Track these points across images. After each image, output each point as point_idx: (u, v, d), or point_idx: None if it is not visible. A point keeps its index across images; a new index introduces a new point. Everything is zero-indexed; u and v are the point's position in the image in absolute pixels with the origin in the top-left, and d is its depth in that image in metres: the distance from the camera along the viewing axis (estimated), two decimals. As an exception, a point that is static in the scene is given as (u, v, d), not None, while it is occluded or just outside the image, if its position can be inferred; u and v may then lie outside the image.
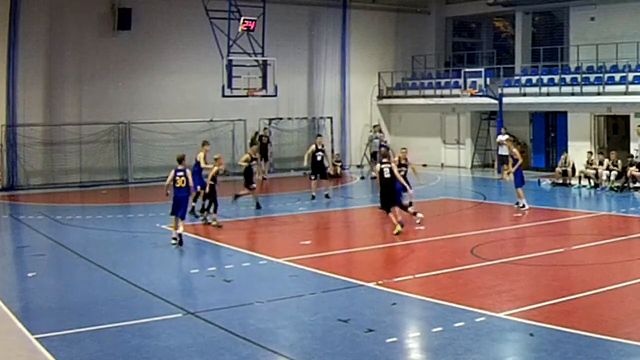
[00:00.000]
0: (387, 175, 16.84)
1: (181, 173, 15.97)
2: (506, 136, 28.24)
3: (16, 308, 10.99)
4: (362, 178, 29.17)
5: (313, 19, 33.05)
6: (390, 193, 16.92)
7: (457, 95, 30.61)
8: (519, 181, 20.05)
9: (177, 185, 15.86)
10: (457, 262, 13.65)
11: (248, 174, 20.42)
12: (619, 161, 24.02)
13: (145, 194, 25.74)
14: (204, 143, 19.88)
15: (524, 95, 29.04)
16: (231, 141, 29.85)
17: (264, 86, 26.23)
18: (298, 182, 23.22)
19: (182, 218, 15.97)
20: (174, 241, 15.83)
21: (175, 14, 29.02)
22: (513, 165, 20.23)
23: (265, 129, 29.37)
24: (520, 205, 19.96)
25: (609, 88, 26.13)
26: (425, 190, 25.20)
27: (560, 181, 25.27)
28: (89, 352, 9.01)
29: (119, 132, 28.33)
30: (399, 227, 16.49)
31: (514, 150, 20.67)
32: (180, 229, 15.82)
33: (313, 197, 22.36)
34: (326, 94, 33.26)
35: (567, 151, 26.20)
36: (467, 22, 37.21)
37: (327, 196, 22.76)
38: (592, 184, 24.30)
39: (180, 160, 16.23)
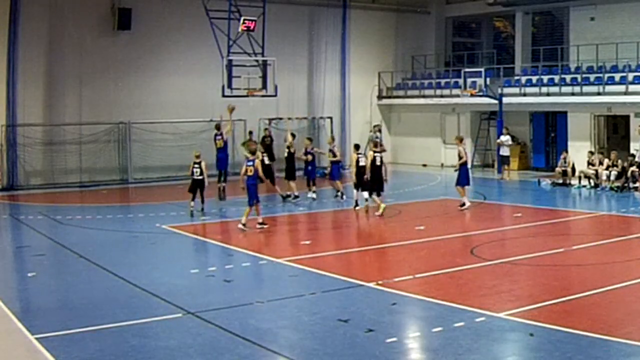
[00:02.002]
0: (377, 162, 19.39)
1: (250, 163, 17.34)
2: (507, 137, 28.27)
3: (16, 308, 10.99)
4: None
5: (313, 19, 33.05)
6: (380, 179, 19.49)
7: (457, 95, 30.61)
8: (462, 180, 20.36)
9: (248, 174, 17.24)
10: (457, 262, 13.65)
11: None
12: (619, 161, 24.01)
13: (145, 194, 25.76)
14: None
15: (524, 95, 29.05)
16: (231, 141, 29.81)
17: (264, 86, 26.20)
18: (297, 182, 23.28)
19: (257, 201, 17.46)
20: (259, 226, 17.38)
21: (175, 14, 29.02)
22: (461, 164, 20.52)
23: (265, 129, 29.40)
24: (461, 204, 20.13)
25: (609, 88, 26.14)
26: (425, 190, 25.23)
27: (560, 181, 25.26)
28: (89, 352, 9.00)
29: (119, 132, 28.33)
30: (383, 206, 19.11)
31: (460, 148, 20.72)
32: (260, 219, 17.36)
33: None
34: (326, 94, 33.25)
35: (567, 151, 26.19)
36: (467, 22, 37.20)
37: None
38: (592, 184, 24.29)
39: (253, 152, 17.92)
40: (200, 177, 19.64)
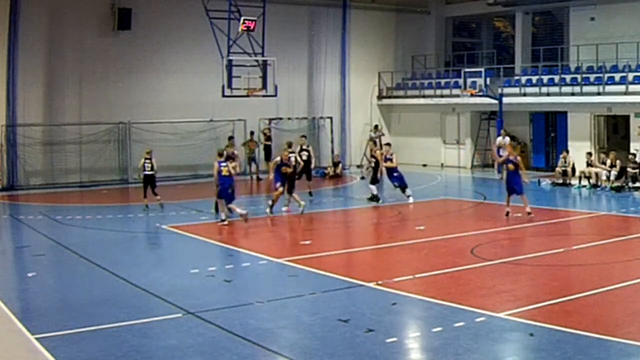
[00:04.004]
0: (293, 162, 20.71)
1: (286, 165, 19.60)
2: (507, 139, 28.19)
3: (16, 308, 11.00)
4: (362, 178, 29.12)
5: (313, 19, 33.05)
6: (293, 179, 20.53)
7: (457, 95, 30.62)
8: (518, 188, 18.65)
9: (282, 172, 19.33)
10: (457, 262, 13.65)
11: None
12: (619, 161, 24.01)
13: (145, 194, 25.74)
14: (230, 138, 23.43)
15: (524, 95, 29.04)
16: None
17: (264, 86, 26.24)
18: (297, 182, 23.31)
19: (290, 194, 19.58)
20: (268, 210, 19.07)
21: (175, 14, 29.03)
22: (515, 170, 18.69)
23: (268, 129, 29.48)
24: (527, 212, 18.41)
25: (609, 88, 26.14)
26: (425, 190, 25.22)
27: (560, 181, 25.25)
28: (89, 352, 9.01)
29: (119, 132, 28.34)
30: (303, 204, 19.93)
31: (514, 153, 19.49)
32: (297, 204, 19.14)
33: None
34: (326, 94, 33.26)
35: (567, 151, 26.19)
36: (467, 22, 37.22)
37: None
38: (592, 184, 24.28)
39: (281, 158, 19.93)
40: (152, 173, 20.48)
